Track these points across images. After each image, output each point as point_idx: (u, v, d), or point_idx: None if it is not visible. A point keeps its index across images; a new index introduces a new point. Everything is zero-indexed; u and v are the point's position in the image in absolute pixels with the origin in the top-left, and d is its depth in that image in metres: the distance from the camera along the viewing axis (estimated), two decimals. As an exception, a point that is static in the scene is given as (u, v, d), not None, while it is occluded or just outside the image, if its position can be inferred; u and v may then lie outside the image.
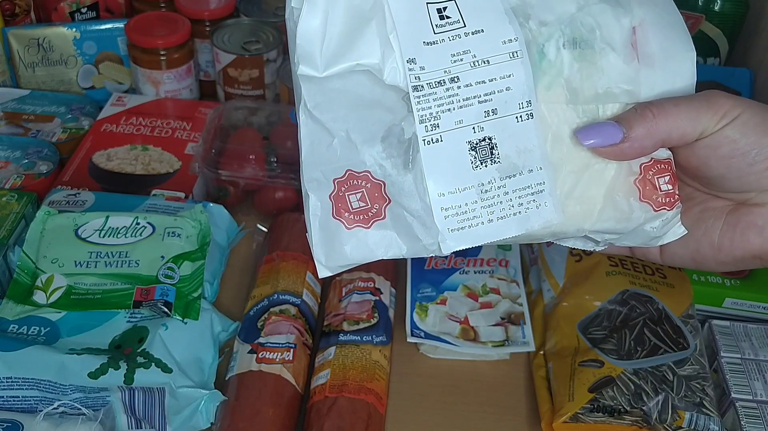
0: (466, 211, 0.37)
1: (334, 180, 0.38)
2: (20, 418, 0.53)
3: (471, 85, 0.36)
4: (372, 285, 0.65)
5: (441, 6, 0.37)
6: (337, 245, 0.38)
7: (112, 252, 0.63)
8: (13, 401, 0.55)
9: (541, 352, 0.65)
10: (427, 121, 0.36)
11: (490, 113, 0.36)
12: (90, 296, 0.61)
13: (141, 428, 0.57)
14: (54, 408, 0.54)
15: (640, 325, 0.62)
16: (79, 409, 0.55)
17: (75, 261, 0.63)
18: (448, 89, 0.36)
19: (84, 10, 0.94)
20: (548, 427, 0.59)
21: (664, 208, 0.40)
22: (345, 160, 0.38)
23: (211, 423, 0.57)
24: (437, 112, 0.36)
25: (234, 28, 0.89)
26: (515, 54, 0.37)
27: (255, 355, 0.58)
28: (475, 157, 0.37)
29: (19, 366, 0.55)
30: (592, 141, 0.38)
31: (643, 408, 0.57)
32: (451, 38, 0.37)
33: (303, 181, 0.38)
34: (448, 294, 0.67)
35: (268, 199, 0.77)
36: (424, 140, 0.36)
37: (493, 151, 0.37)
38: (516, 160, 0.37)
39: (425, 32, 0.36)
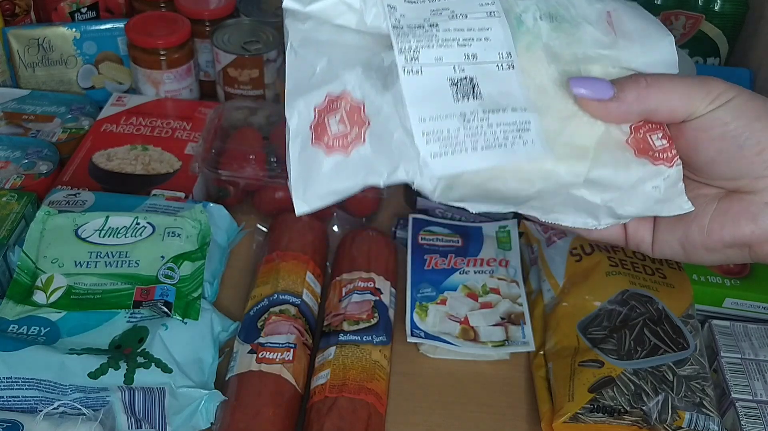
0: (448, 137, 0.36)
1: (314, 108, 0.37)
2: (20, 418, 0.53)
3: (450, 30, 0.37)
4: (372, 285, 0.65)
5: None
6: (316, 176, 0.37)
7: (112, 253, 0.63)
8: (13, 401, 0.55)
9: (541, 352, 0.65)
10: (407, 52, 0.36)
11: (470, 57, 0.37)
12: (90, 296, 0.61)
13: (141, 428, 0.57)
14: (54, 408, 0.54)
15: (640, 325, 0.62)
16: (79, 409, 0.55)
17: (75, 261, 0.63)
18: (427, 31, 0.37)
19: (84, 10, 0.94)
20: (548, 427, 0.59)
21: (663, 163, 0.39)
22: (325, 84, 0.37)
23: (211, 423, 0.57)
24: (417, 47, 0.36)
25: (234, 28, 0.89)
26: (492, 13, 0.38)
27: (255, 355, 0.59)
28: (457, 92, 0.37)
29: (19, 366, 0.55)
30: (582, 90, 0.38)
31: (643, 408, 0.57)
32: (431, 0, 0.38)
33: (286, 117, 0.37)
34: (448, 294, 0.67)
35: (268, 199, 0.77)
36: (404, 69, 0.36)
37: (475, 89, 0.37)
38: (499, 99, 0.37)
39: None
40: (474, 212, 0.39)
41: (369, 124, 0.37)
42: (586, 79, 0.38)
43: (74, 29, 0.89)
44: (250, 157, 0.75)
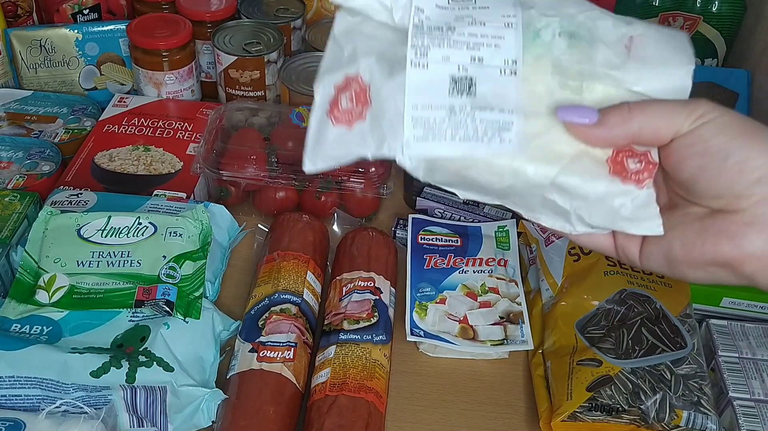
0: (433, 125, 0.41)
1: (334, 86, 0.43)
2: (23, 417, 0.53)
3: (464, 34, 0.41)
4: (372, 284, 0.65)
5: None
6: (323, 141, 0.43)
7: (114, 252, 0.64)
8: (16, 400, 0.56)
9: (540, 351, 0.65)
10: (418, 48, 0.41)
11: (476, 59, 0.41)
12: (92, 295, 0.61)
13: (143, 426, 0.58)
14: (56, 407, 0.55)
15: (638, 325, 0.62)
16: (81, 408, 0.55)
17: (77, 261, 0.63)
18: (443, 33, 0.41)
19: (86, 12, 0.94)
20: (546, 426, 0.59)
21: (632, 184, 0.41)
22: (346, 66, 0.43)
23: (213, 422, 0.58)
24: (428, 44, 0.41)
25: (235, 30, 0.90)
26: (510, 24, 0.41)
27: (256, 354, 0.59)
28: (454, 88, 0.41)
29: (22, 365, 0.55)
30: (567, 117, 0.40)
31: (641, 407, 0.57)
32: (460, 8, 0.42)
33: (315, 90, 0.44)
34: (448, 293, 0.68)
35: (268, 199, 0.78)
36: (411, 62, 0.41)
37: (471, 88, 0.41)
38: (491, 99, 0.41)
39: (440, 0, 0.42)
40: (462, 198, 0.43)
41: (371, 104, 0.42)
42: (572, 107, 0.40)
43: (76, 30, 0.89)
44: (251, 157, 0.75)
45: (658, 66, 0.41)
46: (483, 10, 0.42)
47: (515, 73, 0.40)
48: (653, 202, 0.41)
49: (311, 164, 0.43)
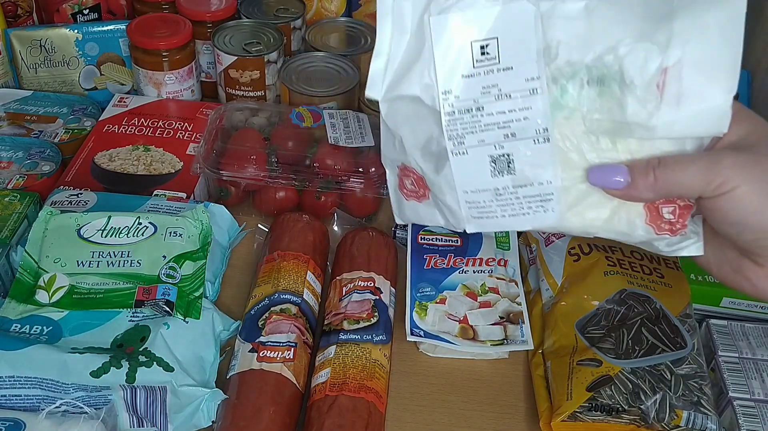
0: (483, 207, 0.46)
1: (397, 167, 0.50)
2: (23, 417, 0.53)
3: (493, 114, 0.43)
4: (372, 284, 0.65)
5: (485, 43, 0.42)
6: (403, 207, 0.52)
7: (114, 252, 0.64)
8: (16, 400, 0.56)
9: (540, 351, 0.65)
10: (455, 139, 0.44)
11: (510, 136, 0.43)
12: (92, 295, 0.61)
13: (143, 426, 0.58)
14: (56, 407, 0.55)
15: (638, 325, 0.62)
16: (81, 408, 0.55)
17: (77, 261, 0.63)
18: (473, 116, 0.44)
19: (86, 12, 0.94)
20: (546, 426, 0.59)
21: (666, 233, 0.44)
22: (401, 156, 0.49)
23: (213, 422, 0.58)
24: (463, 133, 0.44)
25: (235, 30, 0.90)
26: (535, 90, 0.42)
27: (256, 354, 0.59)
28: (494, 168, 0.44)
29: (22, 365, 0.55)
30: (597, 181, 0.42)
31: (641, 407, 0.57)
32: (485, 72, 0.43)
33: (383, 161, 0.52)
34: (448, 293, 0.68)
35: (268, 199, 0.78)
36: (452, 152, 0.45)
37: (510, 165, 0.44)
38: (529, 173, 0.44)
39: (465, 66, 0.43)
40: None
41: (430, 188, 0.49)
42: (600, 170, 0.42)
43: (76, 30, 0.89)
44: (251, 157, 0.75)
45: (692, 103, 0.40)
46: (507, 72, 0.42)
47: (548, 140, 0.42)
48: (687, 238, 0.44)
49: (400, 220, 0.53)
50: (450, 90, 0.43)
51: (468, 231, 0.48)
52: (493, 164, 0.44)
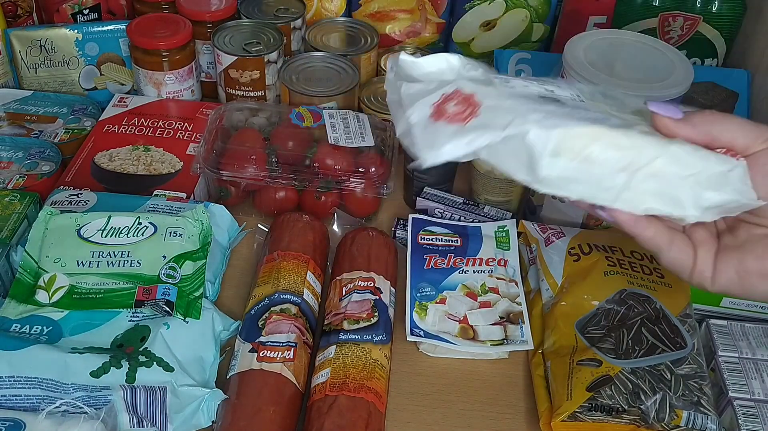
0: (553, 114, 0.43)
1: (431, 104, 0.46)
2: (23, 417, 0.53)
3: (526, 81, 0.47)
4: (372, 284, 0.65)
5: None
6: (436, 139, 0.45)
7: (114, 252, 0.64)
8: (16, 400, 0.56)
9: (540, 351, 0.65)
10: (501, 77, 0.46)
11: (550, 89, 0.46)
12: (92, 295, 0.61)
13: (143, 426, 0.58)
14: (56, 407, 0.55)
15: (638, 325, 0.62)
16: (81, 408, 0.55)
17: (77, 261, 0.63)
18: (512, 79, 0.47)
19: (86, 12, 0.94)
20: (546, 426, 0.59)
21: (729, 154, 0.44)
22: (440, 89, 0.46)
23: (212, 422, 0.58)
24: (507, 78, 0.47)
25: (235, 30, 0.90)
26: (554, 84, 0.47)
27: (256, 354, 0.59)
28: (543, 98, 0.45)
29: (22, 365, 0.55)
30: (656, 108, 0.44)
31: (641, 407, 0.57)
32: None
33: (408, 115, 0.46)
34: (448, 293, 0.68)
35: (268, 199, 0.78)
36: (502, 80, 0.46)
37: (557, 101, 0.45)
38: (580, 105, 0.45)
39: None
40: (575, 199, 0.44)
41: (482, 104, 0.44)
42: (661, 102, 0.44)
43: (76, 30, 0.89)
44: (251, 157, 0.75)
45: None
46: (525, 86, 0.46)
47: (584, 101, 0.46)
48: (747, 173, 0.43)
49: (432, 158, 0.44)
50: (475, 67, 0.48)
51: (534, 133, 0.42)
52: (543, 96, 0.45)
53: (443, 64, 0.49)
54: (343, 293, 0.65)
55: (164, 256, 0.64)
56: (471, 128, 0.43)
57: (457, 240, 0.73)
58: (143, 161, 0.78)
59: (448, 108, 0.45)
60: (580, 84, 0.48)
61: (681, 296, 0.65)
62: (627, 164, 0.42)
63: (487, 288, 0.68)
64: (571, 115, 0.43)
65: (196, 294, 0.63)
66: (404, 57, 0.50)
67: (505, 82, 0.46)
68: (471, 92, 0.45)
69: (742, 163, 0.43)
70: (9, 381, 0.55)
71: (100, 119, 0.85)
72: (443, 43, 1.00)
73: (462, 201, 0.78)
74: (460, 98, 0.45)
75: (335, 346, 0.60)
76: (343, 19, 0.98)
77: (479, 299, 0.68)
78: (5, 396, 0.55)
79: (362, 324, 0.62)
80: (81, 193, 0.71)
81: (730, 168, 0.43)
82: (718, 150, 0.43)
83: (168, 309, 0.61)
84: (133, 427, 0.58)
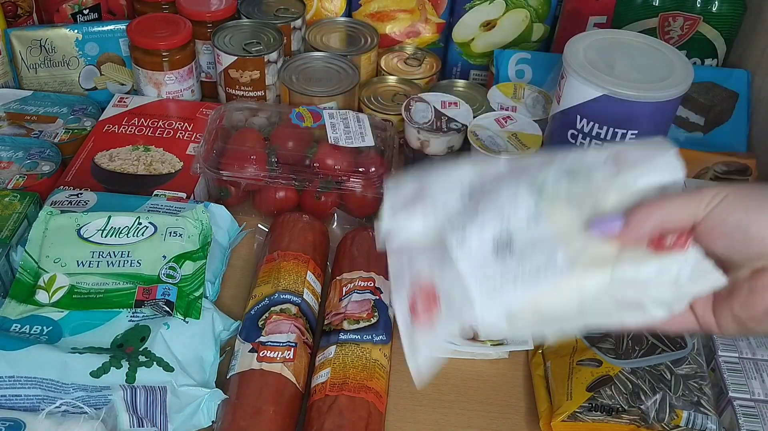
0: (494, 285, 0.45)
1: (406, 294, 0.49)
2: (22, 417, 0.53)
3: (486, 210, 0.47)
4: (372, 284, 0.65)
5: (468, 192, 0.49)
6: (417, 347, 0.48)
7: (114, 252, 0.64)
8: (16, 400, 0.56)
9: (540, 351, 0.65)
10: (458, 230, 0.47)
11: (506, 219, 0.46)
12: (92, 295, 0.61)
13: (143, 426, 0.58)
14: (56, 407, 0.55)
15: (638, 324, 0.62)
16: (81, 408, 0.55)
17: (77, 261, 0.63)
18: (470, 213, 0.47)
19: (86, 12, 0.94)
20: (546, 426, 0.59)
21: (677, 249, 0.44)
22: (408, 274, 0.49)
23: (212, 422, 0.58)
24: (464, 224, 0.47)
25: (235, 30, 0.90)
26: (516, 193, 0.47)
27: (256, 354, 0.59)
28: (497, 250, 0.46)
29: (22, 365, 0.55)
30: (597, 230, 0.44)
31: (641, 407, 0.57)
32: (473, 202, 0.48)
33: (395, 308, 0.50)
34: (448, 293, 0.68)
35: (268, 199, 0.78)
36: (456, 241, 0.46)
37: (511, 245, 0.46)
38: (530, 248, 0.45)
39: (453, 204, 0.49)
40: (552, 338, 0.48)
41: (439, 295, 0.47)
42: (599, 221, 0.44)
43: (76, 30, 0.89)
44: (251, 157, 0.75)
45: (647, 160, 0.46)
46: (490, 193, 0.48)
47: (539, 219, 0.45)
48: (703, 258, 0.44)
49: (419, 377, 0.48)
50: (444, 206, 0.49)
51: (482, 321, 0.45)
52: (496, 247, 0.46)
53: (415, 227, 0.50)
54: (343, 293, 0.65)
55: (164, 256, 0.64)
56: (439, 329, 0.47)
57: (457, 241, 0.72)
58: (143, 161, 0.79)
59: (418, 307, 0.48)
60: (543, 165, 0.48)
61: (681, 296, 0.65)
62: (581, 306, 0.44)
63: (487, 288, 0.68)
64: (517, 275, 0.45)
65: (196, 294, 0.63)
66: (380, 227, 0.52)
67: (462, 233, 0.47)
68: (428, 280, 0.48)
69: (691, 255, 0.43)
70: (9, 381, 0.55)
71: (100, 119, 0.85)
72: (443, 43, 1.00)
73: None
74: (422, 294, 0.48)
75: (335, 346, 0.60)
76: (343, 19, 0.98)
77: (479, 299, 0.67)
78: (5, 396, 0.55)
79: (362, 324, 0.62)
80: (81, 193, 0.71)
81: (678, 266, 0.43)
82: (670, 237, 0.43)
83: (168, 309, 0.61)
84: (133, 427, 0.58)
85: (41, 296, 0.61)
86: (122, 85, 0.94)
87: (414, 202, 0.51)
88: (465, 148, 0.79)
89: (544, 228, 0.45)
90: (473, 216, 0.47)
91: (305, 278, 0.66)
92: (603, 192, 0.45)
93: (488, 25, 0.97)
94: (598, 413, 0.58)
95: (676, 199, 0.43)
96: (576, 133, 0.69)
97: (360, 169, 0.75)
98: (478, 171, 0.51)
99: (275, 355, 0.59)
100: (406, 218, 0.50)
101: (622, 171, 0.46)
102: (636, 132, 0.66)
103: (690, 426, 0.57)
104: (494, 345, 0.64)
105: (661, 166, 0.45)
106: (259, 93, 0.89)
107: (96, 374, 0.55)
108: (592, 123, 0.67)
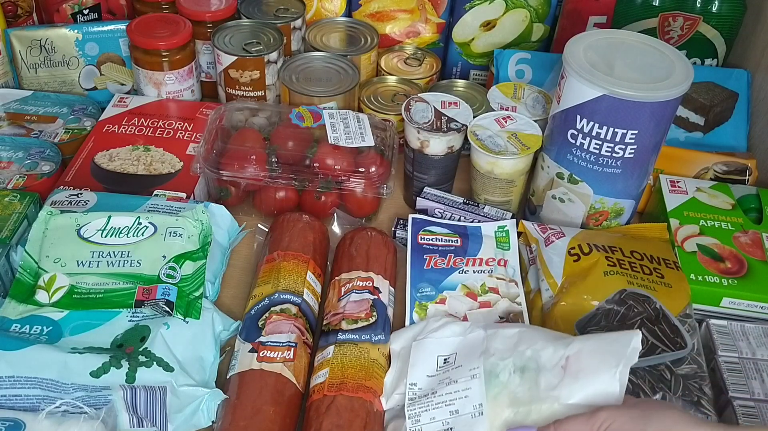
0: None
1: None
2: (22, 417, 0.53)
3: (442, 395, 0.56)
4: (370, 284, 0.65)
5: (447, 356, 0.59)
6: None
7: (114, 252, 0.64)
8: (16, 400, 0.56)
9: (540, 351, 0.65)
10: (414, 417, 0.56)
11: (454, 412, 0.55)
12: (92, 295, 0.61)
13: (143, 426, 0.58)
14: (56, 407, 0.55)
15: (638, 325, 0.62)
16: (81, 408, 0.55)
17: (77, 261, 0.63)
18: (428, 399, 0.57)
19: (86, 12, 0.94)
20: (546, 426, 0.59)
21: None
22: None
23: (212, 422, 0.58)
24: (419, 412, 0.56)
25: (235, 30, 0.90)
26: (474, 376, 0.56)
27: (256, 354, 0.59)
28: None
29: (22, 365, 0.55)
30: None
31: (641, 406, 0.57)
32: (443, 371, 0.58)
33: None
34: (448, 293, 0.68)
35: (268, 199, 0.78)
36: (410, 428, 0.56)
37: None
38: None
39: (430, 370, 0.59)
40: None
41: None
42: (517, 428, 0.52)
43: (76, 30, 0.89)
44: (251, 157, 0.75)
45: (589, 376, 0.52)
46: (458, 369, 0.57)
47: (482, 414, 0.54)
48: None
49: None
50: (416, 383, 0.58)
51: None
52: None
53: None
54: (342, 293, 0.65)
55: (164, 256, 0.64)
56: None
57: (457, 241, 0.73)
58: (143, 161, 0.79)
59: None
60: (507, 352, 0.56)
61: (681, 296, 0.65)
62: None
63: (487, 289, 0.68)
64: None
65: (196, 294, 0.63)
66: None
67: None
68: None
69: None
70: (9, 381, 0.55)
71: (100, 119, 0.85)
72: (443, 43, 1.00)
73: (462, 201, 0.78)
74: None
75: (334, 346, 0.60)
76: (343, 19, 0.98)
77: (479, 299, 0.67)
78: (5, 396, 0.55)
79: (360, 324, 0.62)
80: (81, 193, 0.71)
81: None
82: None
83: (168, 309, 0.61)
84: (133, 427, 0.58)
85: (41, 296, 0.61)
86: (122, 85, 0.94)
87: (401, 376, 0.59)
88: (465, 147, 0.79)
89: (482, 424, 0.53)
90: (429, 400, 0.56)
91: (305, 278, 0.66)
92: (540, 400, 0.52)
93: (488, 25, 0.97)
94: (598, 413, 0.57)
95: (578, 418, 0.50)
96: (576, 133, 0.69)
97: (360, 169, 0.75)
98: (462, 339, 0.60)
99: (275, 355, 0.59)
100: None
101: (563, 382, 0.52)
102: (636, 132, 0.66)
103: (690, 426, 0.57)
104: None
105: (599, 385, 0.51)
106: (259, 93, 0.89)
107: (96, 374, 0.55)
108: (592, 123, 0.67)
